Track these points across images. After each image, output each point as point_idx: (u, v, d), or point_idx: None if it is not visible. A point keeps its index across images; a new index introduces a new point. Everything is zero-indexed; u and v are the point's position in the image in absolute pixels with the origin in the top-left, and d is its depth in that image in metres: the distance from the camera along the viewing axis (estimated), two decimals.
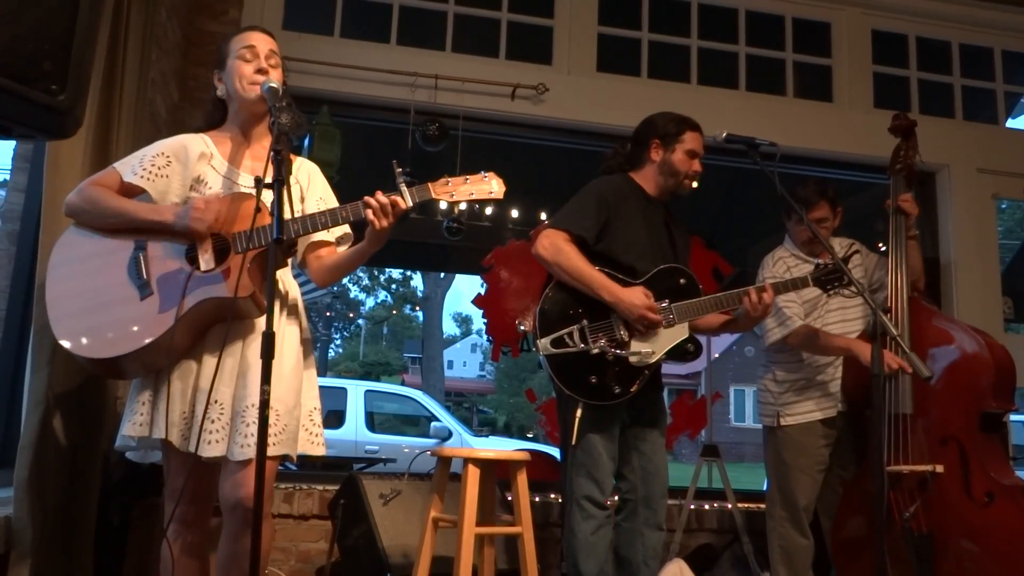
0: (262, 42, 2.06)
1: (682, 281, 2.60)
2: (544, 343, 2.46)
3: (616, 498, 2.63)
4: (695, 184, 2.73)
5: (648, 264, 2.58)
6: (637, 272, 2.56)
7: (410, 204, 1.89)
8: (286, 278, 2.04)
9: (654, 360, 2.50)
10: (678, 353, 2.54)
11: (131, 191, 1.97)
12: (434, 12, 3.89)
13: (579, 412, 2.45)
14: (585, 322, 2.48)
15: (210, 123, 2.13)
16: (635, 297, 2.47)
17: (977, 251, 4.08)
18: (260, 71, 2.00)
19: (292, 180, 2.07)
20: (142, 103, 2.71)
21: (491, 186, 1.96)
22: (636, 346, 2.49)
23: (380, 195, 1.88)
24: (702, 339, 2.67)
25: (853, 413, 2.95)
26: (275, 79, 2.01)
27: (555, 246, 2.53)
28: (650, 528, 2.57)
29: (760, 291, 2.53)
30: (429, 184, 1.93)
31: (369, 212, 1.88)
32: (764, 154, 2.62)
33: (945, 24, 4.34)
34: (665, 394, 2.85)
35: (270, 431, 1.72)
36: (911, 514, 2.68)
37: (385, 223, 1.88)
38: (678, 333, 2.54)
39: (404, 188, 1.89)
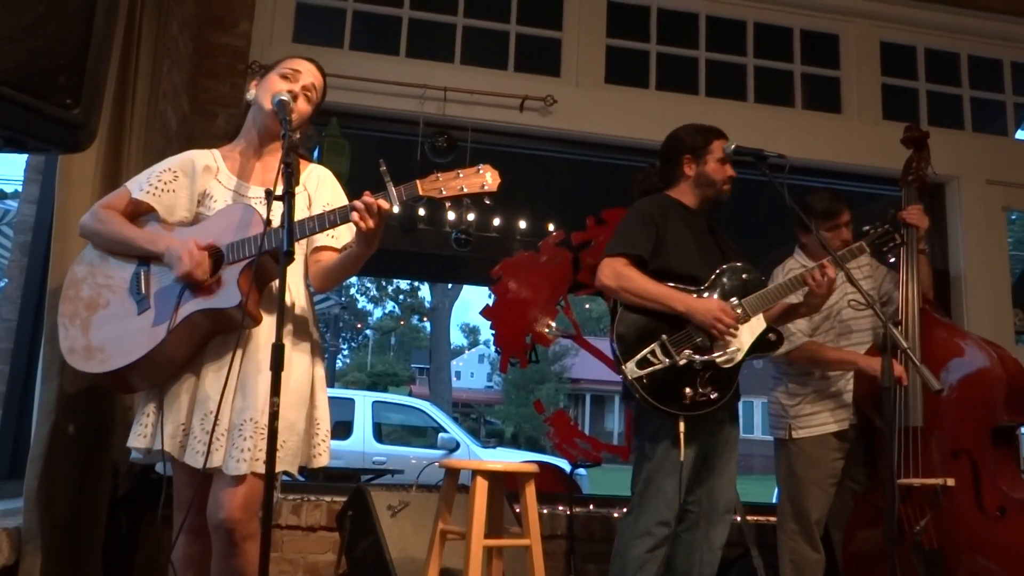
0: (308, 72, 2.08)
1: (745, 276, 2.58)
2: (630, 367, 2.42)
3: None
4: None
5: (706, 270, 2.58)
6: (699, 280, 2.56)
7: (395, 204, 1.85)
8: (293, 288, 2.02)
9: (741, 356, 2.49)
10: (762, 345, 2.53)
11: (140, 207, 1.99)
12: (443, 25, 3.92)
13: (682, 427, 2.41)
14: (664, 336, 2.46)
15: (236, 130, 2.15)
16: (709, 303, 2.47)
17: (987, 263, 4.06)
18: (289, 91, 2.01)
19: (299, 188, 2.06)
20: (153, 115, 2.72)
21: (484, 179, 1.89)
22: (720, 348, 2.48)
23: (367, 196, 1.84)
24: None
25: (865, 426, 2.93)
26: (300, 107, 2.03)
27: (616, 272, 2.52)
28: (707, 544, 2.55)
29: (822, 269, 2.52)
30: (417, 181, 1.88)
31: (354, 214, 1.84)
32: (773, 166, 2.62)
33: (954, 36, 4.34)
34: None
35: None
36: (921, 528, 2.66)
37: (371, 224, 1.83)
38: (756, 326, 2.53)
39: (391, 188, 1.85)
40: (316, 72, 2.11)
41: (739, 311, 2.51)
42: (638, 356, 2.44)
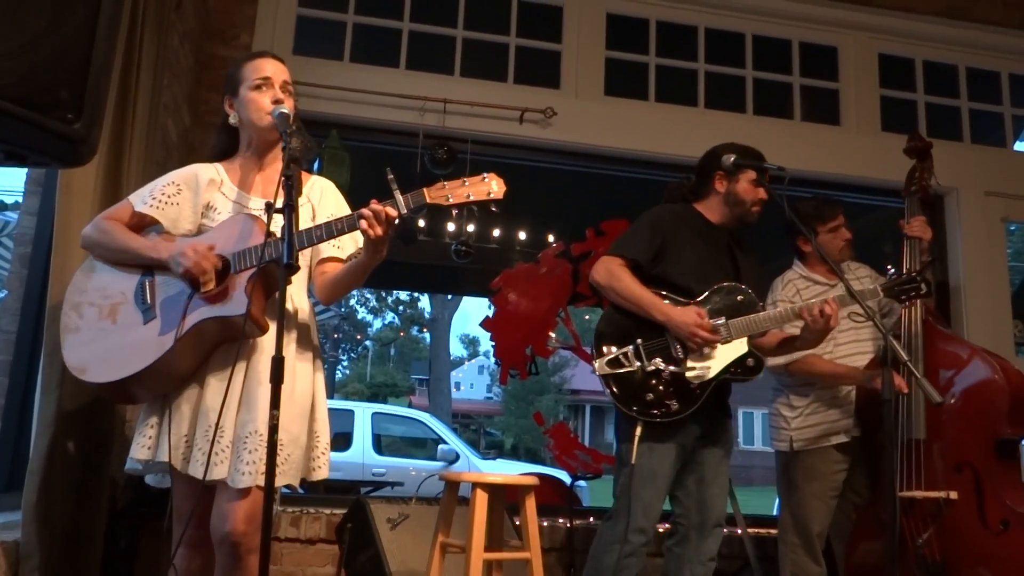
0: (276, 71, 2.07)
1: (739, 298, 2.56)
2: (600, 364, 2.47)
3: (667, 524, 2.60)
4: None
5: (706, 285, 2.57)
6: (695, 293, 2.55)
7: (403, 211, 1.85)
8: (296, 298, 2.02)
9: (712, 376, 2.47)
10: (739, 369, 2.51)
11: (144, 221, 1.99)
12: (443, 37, 3.93)
13: (638, 431, 2.43)
14: (640, 341, 2.49)
15: (223, 151, 2.13)
16: (687, 316, 2.46)
17: (987, 274, 4.07)
18: (276, 101, 2.00)
19: (303, 200, 2.07)
20: (154, 127, 2.73)
21: (490, 187, 1.89)
22: (693, 363, 2.48)
23: (374, 204, 1.85)
24: None
25: (867, 438, 2.92)
26: (288, 106, 2.01)
27: (608, 271, 2.55)
28: (698, 557, 2.54)
29: (823, 306, 2.48)
30: (424, 189, 1.88)
31: (363, 222, 1.84)
32: (772, 178, 2.62)
33: (952, 48, 4.36)
34: None
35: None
36: (924, 541, 2.65)
37: (380, 231, 1.83)
38: (736, 349, 2.51)
39: (398, 195, 1.85)
40: (279, 65, 2.09)
41: (723, 331, 2.49)
42: (611, 355, 2.47)
